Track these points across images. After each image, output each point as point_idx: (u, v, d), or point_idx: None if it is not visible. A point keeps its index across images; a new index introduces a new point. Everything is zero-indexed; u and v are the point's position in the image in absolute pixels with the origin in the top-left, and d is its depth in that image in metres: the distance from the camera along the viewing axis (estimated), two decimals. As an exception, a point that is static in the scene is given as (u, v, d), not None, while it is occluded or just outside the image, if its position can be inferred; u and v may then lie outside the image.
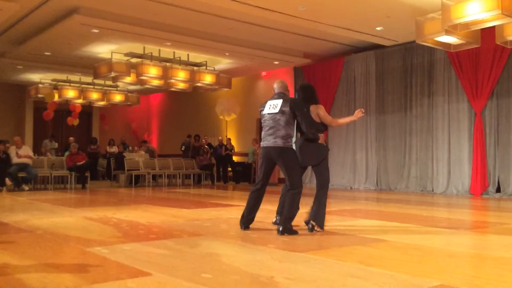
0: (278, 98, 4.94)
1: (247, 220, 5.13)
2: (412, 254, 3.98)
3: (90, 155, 15.22)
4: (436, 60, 11.17)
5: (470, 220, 6.62)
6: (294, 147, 5.01)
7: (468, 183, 10.46)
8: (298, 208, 4.94)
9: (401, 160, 11.87)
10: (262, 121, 5.06)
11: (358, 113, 5.14)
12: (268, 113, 4.93)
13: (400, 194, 10.76)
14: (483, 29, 7.70)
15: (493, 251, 4.25)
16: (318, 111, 5.09)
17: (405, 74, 11.86)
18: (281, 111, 4.82)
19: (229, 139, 15.67)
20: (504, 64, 9.90)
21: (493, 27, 7.52)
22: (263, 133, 5.01)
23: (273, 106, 4.90)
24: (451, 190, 10.79)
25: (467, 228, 5.70)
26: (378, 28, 10.50)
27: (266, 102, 5.08)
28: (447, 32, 7.38)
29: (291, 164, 4.89)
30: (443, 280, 3.03)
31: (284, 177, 5.02)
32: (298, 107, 4.87)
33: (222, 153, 15.08)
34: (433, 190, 11.12)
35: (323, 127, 5.13)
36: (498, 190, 10.09)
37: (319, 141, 5.04)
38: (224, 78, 14.02)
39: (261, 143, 5.08)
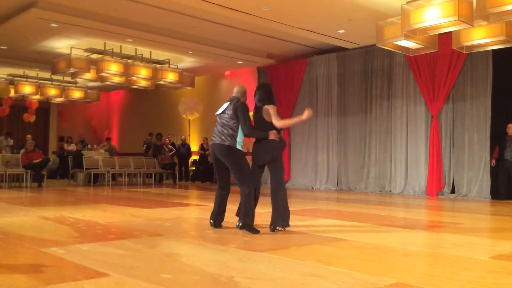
0: (229, 101, 5.21)
1: (216, 218, 5.24)
2: (370, 253, 4.06)
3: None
4: (396, 63, 11.44)
5: (426, 220, 6.80)
6: (239, 147, 5.10)
7: (425, 184, 10.76)
8: (253, 205, 5.01)
9: (361, 161, 12.10)
10: (217, 118, 5.30)
11: (307, 112, 5.03)
12: (218, 114, 5.24)
13: (359, 194, 10.96)
14: (440, 35, 7.94)
15: (447, 250, 4.38)
16: (269, 111, 5.12)
17: (365, 76, 12.09)
18: (226, 113, 5.12)
19: (206, 139, 15.41)
20: (460, 69, 10.24)
21: (450, 32, 7.76)
22: (214, 132, 5.26)
23: (223, 108, 5.20)
24: (408, 191, 11.07)
25: (423, 228, 5.86)
26: (340, 31, 10.65)
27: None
28: (406, 36, 7.56)
29: (235, 161, 5.00)
30: (399, 279, 3.10)
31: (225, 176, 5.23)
32: (239, 110, 5.03)
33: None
34: (391, 191, 11.38)
35: (273, 127, 5.13)
36: (453, 191, 10.42)
37: (271, 137, 5.03)
38: (187, 77, 13.91)
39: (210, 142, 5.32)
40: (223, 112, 5.14)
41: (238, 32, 11.38)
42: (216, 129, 5.17)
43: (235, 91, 5.30)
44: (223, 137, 5.03)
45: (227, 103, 5.18)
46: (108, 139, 16.62)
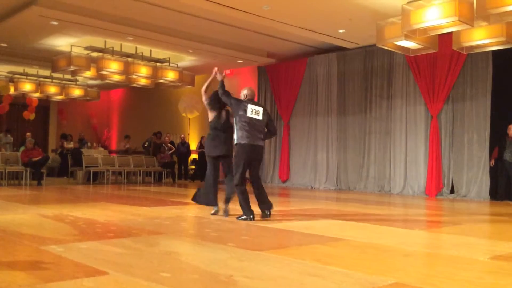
0: (258, 106, 5.90)
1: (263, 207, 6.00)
2: (369, 252, 4.07)
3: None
4: (396, 63, 11.44)
5: (425, 220, 6.81)
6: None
7: (424, 184, 10.77)
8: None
9: (360, 160, 12.10)
10: (246, 119, 5.75)
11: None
12: (254, 117, 5.78)
13: (358, 194, 10.97)
14: (440, 35, 7.93)
15: (446, 250, 4.39)
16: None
17: (365, 76, 12.09)
18: (263, 119, 5.86)
19: (203, 138, 15.38)
20: (460, 69, 10.25)
21: (450, 33, 7.75)
22: (248, 133, 5.73)
23: (255, 112, 5.81)
24: (407, 191, 11.08)
25: (422, 228, 5.87)
26: (340, 31, 10.65)
27: (246, 100, 5.88)
28: (406, 36, 7.55)
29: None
30: (398, 278, 3.11)
31: (255, 171, 5.92)
32: (270, 117, 6.09)
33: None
34: (390, 191, 11.38)
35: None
36: (452, 191, 10.43)
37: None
38: (187, 75, 13.90)
39: (248, 140, 5.73)
40: (263, 119, 5.84)
41: (238, 31, 11.37)
42: (254, 132, 5.76)
43: (251, 94, 5.97)
44: (261, 140, 5.86)
45: (258, 107, 5.84)
46: (128, 137, 16.24)
